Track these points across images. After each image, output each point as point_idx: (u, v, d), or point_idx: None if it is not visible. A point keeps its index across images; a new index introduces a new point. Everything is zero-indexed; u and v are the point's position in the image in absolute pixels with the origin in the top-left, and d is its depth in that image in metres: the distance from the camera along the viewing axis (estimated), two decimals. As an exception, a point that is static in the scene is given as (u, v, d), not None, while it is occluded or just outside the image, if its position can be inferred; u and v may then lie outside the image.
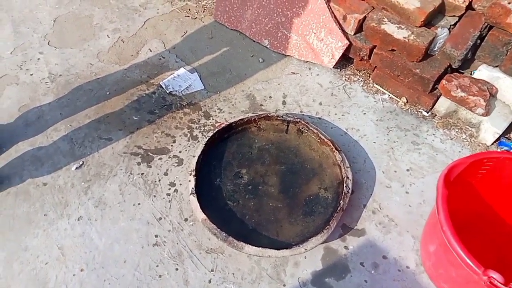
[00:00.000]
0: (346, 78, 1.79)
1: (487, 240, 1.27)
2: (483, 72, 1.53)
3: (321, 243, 1.24)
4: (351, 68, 1.82)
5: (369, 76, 1.78)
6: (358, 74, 1.81)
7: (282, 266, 1.24)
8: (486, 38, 1.48)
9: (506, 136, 1.57)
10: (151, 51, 1.86)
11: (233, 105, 1.67)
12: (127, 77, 1.75)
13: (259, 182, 1.40)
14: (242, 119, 1.49)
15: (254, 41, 1.93)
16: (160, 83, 1.72)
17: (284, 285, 1.20)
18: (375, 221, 1.36)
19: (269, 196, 1.37)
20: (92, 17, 2.02)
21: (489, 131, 1.52)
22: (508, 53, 1.45)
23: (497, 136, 1.50)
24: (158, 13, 2.05)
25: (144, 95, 1.68)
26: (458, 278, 1.00)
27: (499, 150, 1.53)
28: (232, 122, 1.48)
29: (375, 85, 1.76)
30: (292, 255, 1.21)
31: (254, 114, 1.51)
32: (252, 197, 1.37)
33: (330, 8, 1.67)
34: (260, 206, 1.35)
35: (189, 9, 2.08)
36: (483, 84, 1.51)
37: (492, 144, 1.55)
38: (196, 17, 2.04)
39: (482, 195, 1.21)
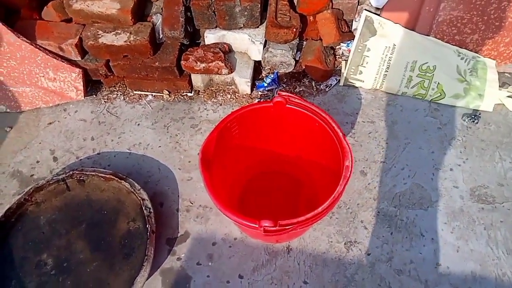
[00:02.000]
0: (106, 99, 1.72)
1: (274, 182, 1.43)
2: (209, 37, 1.63)
3: (151, 274, 1.22)
4: (105, 88, 1.75)
5: (126, 86, 1.74)
6: (115, 90, 1.74)
7: (128, 320, 1.19)
8: (192, 8, 1.55)
9: (260, 78, 1.74)
10: None
11: (0, 194, 1.46)
12: None
13: (66, 257, 1.28)
14: (9, 208, 1.30)
15: (-11, 112, 1.68)
16: None
17: (139, 336, 1.16)
18: (192, 217, 1.39)
19: (83, 264, 1.27)
20: None
21: (242, 83, 1.65)
22: (216, 12, 1.55)
23: (249, 83, 1.65)
24: None
25: None
26: (256, 233, 1.11)
27: (260, 92, 1.69)
28: (0, 218, 1.28)
29: (135, 92, 1.73)
30: (130, 305, 1.16)
31: (21, 195, 1.34)
32: (66, 276, 1.24)
33: (39, 47, 1.53)
34: (79, 279, 1.24)
35: None
36: (215, 47, 1.61)
37: (252, 90, 1.70)
38: None
39: (249, 147, 1.32)
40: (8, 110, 1.67)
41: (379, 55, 1.62)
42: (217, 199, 0.99)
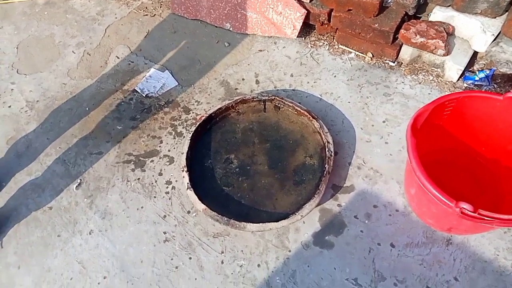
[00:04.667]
0: (312, 45, 1.84)
1: (461, 171, 1.38)
2: (437, 14, 1.59)
3: (315, 207, 1.34)
4: (314, 34, 1.87)
5: (333, 39, 1.83)
6: (323, 38, 1.86)
7: (284, 234, 1.35)
8: (433, -19, 1.53)
9: (470, 70, 1.65)
10: (118, 58, 1.89)
11: (209, 94, 1.73)
12: (102, 88, 1.79)
13: (248, 163, 1.49)
14: (220, 108, 1.55)
15: (216, 26, 1.96)
16: (135, 88, 1.76)
17: (290, 251, 1.32)
18: (361, 175, 1.46)
19: (260, 174, 1.46)
20: (53, 36, 2.02)
21: (452, 69, 1.59)
22: (457, -9, 1.50)
23: (461, 72, 1.58)
24: (116, 18, 2.06)
25: (122, 103, 1.73)
26: (439, 213, 1.11)
27: (465, 84, 1.62)
28: (211, 113, 1.54)
29: (340, 46, 1.82)
30: (291, 223, 1.31)
31: (230, 101, 1.57)
32: (245, 178, 1.45)
33: (281, -20, 1.70)
34: (253, 185, 1.44)
35: (146, 7, 2.09)
36: (440, 26, 1.58)
37: (458, 80, 1.63)
38: (155, 14, 2.05)
39: (451, 133, 1.30)
40: (231, 29, 1.93)
41: None
42: (421, 166, 1.03)
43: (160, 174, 1.51)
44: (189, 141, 1.46)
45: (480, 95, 1.14)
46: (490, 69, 1.59)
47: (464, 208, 0.94)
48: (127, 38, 1.97)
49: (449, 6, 1.57)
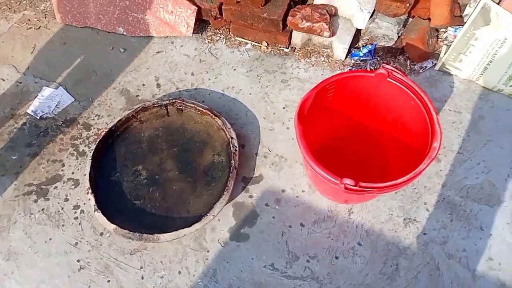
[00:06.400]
0: (209, 40, 1.85)
1: (356, 144, 1.50)
2: (318, -3, 1.67)
3: (226, 204, 1.39)
4: (210, 29, 1.87)
5: (229, 31, 1.85)
6: (219, 32, 1.87)
7: (201, 236, 1.39)
8: (308, -33, 1.59)
9: (356, 46, 1.76)
10: (3, 80, 1.76)
11: (109, 106, 1.68)
12: (-10, 117, 1.66)
13: (157, 172, 1.49)
14: (120, 120, 1.52)
15: (109, 32, 1.88)
16: (27, 111, 1.66)
17: (208, 251, 1.36)
18: (268, 163, 1.52)
19: (171, 181, 1.47)
20: None
21: (339, 48, 1.69)
22: (331, -25, 1.58)
23: (347, 50, 1.68)
24: (-4, 35, 1.90)
25: (14, 130, 1.62)
26: (331, 189, 1.21)
27: (352, 61, 1.73)
28: (112, 126, 1.51)
29: (236, 38, 1.84)
30: (206, 224, 1.35)
31: (130, 111, 1.55)
32: (156, 188, 1.46)
33: (164, -20, 1.67)
34: (165, 193, 1.45)
35: (29, 20, 1.95)
36: (323, 9, 1.65)
37: (346, 57, 1.74)
38: (40, 26, 1.92)
39: (340, 111, 1.40)
40: (124, 33, 1.87)
41: (485, 47, 1.57)
42: (309, 152, 1.10)
43: (66, 199, 1.46)
44: (91, 160, 1.42)
45: (355, 74, 1.24)
46: (372, 44, 1.71)
47: (347, 184, 1.03)
48: (11, 57, 1.83)
49: (327, -11, 1.65)
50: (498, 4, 1.56)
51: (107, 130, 1.49)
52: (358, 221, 1.39)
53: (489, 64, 1.58)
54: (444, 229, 1.37)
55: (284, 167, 1.51)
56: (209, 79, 1.73)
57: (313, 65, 1.74)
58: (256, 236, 1.38)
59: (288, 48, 1.79)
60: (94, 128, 1.62)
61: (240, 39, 1.83)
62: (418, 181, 1.45)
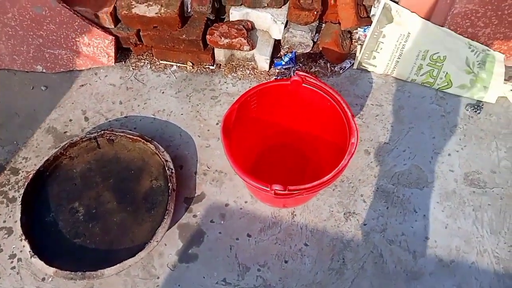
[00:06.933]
0: (134, 67, 1.84)
1: (291, 150, 1.56)
2: (234, 13, 1.73)
3: (170, 227, 1.38)
4: (133, 56, 1.87)
5: (152, 56, 1.86)
6: (142, 58, 1.87)
7: (149, 263, 1.36)
8: (219, -14, 1.64)
9: (278, 56, 1.84)
10: None
11: (36, 147, 1.61)
12: None
13: (95, 206, 1.45)
14: (47, 160, 1.46)
15: (27, 71, 1.82)
16: None
17: (158, 277, 1.34)
18: (208, 180, 1.53)
19: (110, 213, 1.43)
20: None
21: (261, 60, 1.76)
22: (242, -9, 1.64)
23: (268, 60, 1.75)
24: None
25: None
26: (267, 197, 1.25)
27: (276, 70, 1.80)
28: (39, 167, 1.45)
29: (160, 61, 1.85)
30: (151, 251, 1.33)
31: (57, 148, 1.49)
32: (95, 222, 1.41)
33: (77, 12, 1.65)
34: (106, 226, 1.41)
35: None
36: (239, 24, 1.71)
37: (270, 67, 1.80)
38: (-50, 74, 1.81)
39: (266, 120, 1.45)
40: (44, 71, 1.81)
41: (393, 42, 1.71)
42: (236, 163, 1.13)
43: (0, 250, 1.37)
44: (20, 205, 1.35)
45: (272, 84, 1.29)
46: (292, 52, 1.79)
47: (276, 190, 1.07)
48: None
49: (241, 4, 1.71)
50: (397, 3, 1.72)
51: (35, 171, 1.43)
52: (302, 222, 1.44)
53: (399, 58, 1.72)
54: (382, 217, 1.45)
55: (225, 181, 1.53)
56: (138, 105, 1.72)
57: (240, 79, 1.79)
58: (205, 254, 1.38)
59: (213, 65, 1.82)
60: (22, 171, 1.54)
61: (165, 62, 1.84)
62: (352, 175, 1.53)
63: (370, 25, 1.73)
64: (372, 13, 1.79)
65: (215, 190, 1.51)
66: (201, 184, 1.53)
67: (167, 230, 1.36)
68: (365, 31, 1.80)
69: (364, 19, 1.75)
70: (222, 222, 1.44)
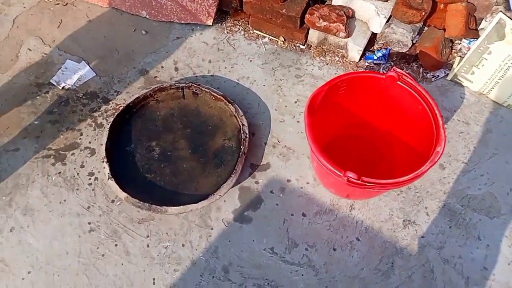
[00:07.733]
0: (228, 31, 1.90)
1: (365, 142, 1.55)
2: (339, -2, 1.72)
3: (233, 186, 1.44)
4: (230, 20, 1.93)
5: (248, 24, 1.91)
6: (238, 24, 1.92)
7: (207, 214, 1.44)
8: (333, -32, 1.64)
9: (371, 49, 1.81)
10: (30, 50, 1.82)
11: (128, 84, 1.74)
12: (14, 83, 1.72)
13: (170, 149, 1.55)
14: (137, 98, 1.58)
15: (132, 14, 1.94)
16: (50, 80, 1.72)
17: (212, 229, 1.41)
18: (276, 153, 1.57)
19: (182, 159, 1.52)
20: (-46, 28, 1.90)
21: (354, 50, 1.74)
22: (354, -22, 1.63)
23: (361, 52, 1.73)
24: (25, 8, 1.96)
25: (37, 97, 1.69)
26: (335, 182, 1.26)
27: (366, 63, 1.78)
28: (129, 103, 1.56)
29: (254, 31, 1.89)
30: (212, 203, 1.40)
31: (148, 90, 1.60)
32: (167, 164, 1.51)
33: (192, -32, 1.73)
34: (176, 170, 1.50)
35: (58, -4, 2.01)
36: (340, 10, 1.70)
37: (360, 59, 1.78)
38: (67, 3, 1.98)
39: (350, 109, 1.45)
40: (147, 17, 1.93)
41: (498, 62, 1.61)
42: (315, 142, 1.15)
43: (82, 166, 1.52)
44: (108, 132, 1.48)
45: (367, 74, 1.28)
46: (386, 49, 1.76)
47: (350, 177, 1.08)
48: (38, 29, 1.89)
49: (349, -9, 1.70)
50: (513, 20, 1.61)
51: (125, 105, 1.55)
52: (358, 217, 1.44)
53: (500, 79, 1.62)
54: (442, 234, 1.41)
55: (292, 158, 1.56)
56: (225, 68, 1.79)
57: (327, 64, 1.79)
58: (259, 220, 1.43)
59: (304, 45, 1.84)
60: (112, 102, 1.68)
61: (258, 32, 1.89)
62: (421, 186, 1.50)
63: (477, 38, 1.65)
64: (481, 26, 1.70)
65: (281, 164, 1.55)
66: (268, 155, 1.57)
67: (230, 188, 1.42)
68: (470, 44, 1.71)
69: (472, 31, 1.67)
70: (281, 195, 1.48)
